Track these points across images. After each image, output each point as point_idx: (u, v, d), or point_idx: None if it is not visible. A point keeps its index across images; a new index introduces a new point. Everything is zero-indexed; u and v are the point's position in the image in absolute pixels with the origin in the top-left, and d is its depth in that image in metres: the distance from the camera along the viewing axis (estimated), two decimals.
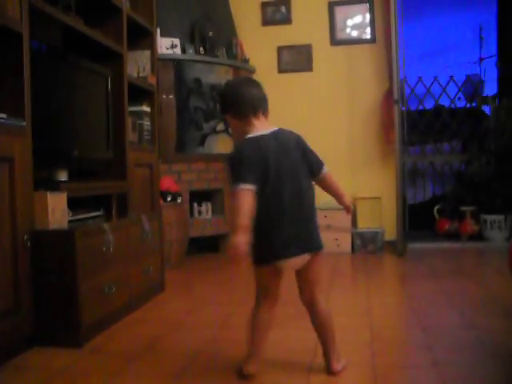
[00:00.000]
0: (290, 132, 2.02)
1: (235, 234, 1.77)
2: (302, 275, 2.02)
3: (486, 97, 5.92)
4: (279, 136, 1.96)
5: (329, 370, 2.03)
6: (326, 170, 2.05)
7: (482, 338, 2.44)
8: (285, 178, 1.89)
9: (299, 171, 1.95)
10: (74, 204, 2.76)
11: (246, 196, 1.81)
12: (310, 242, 1.95)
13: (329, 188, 2.10)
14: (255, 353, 2.01)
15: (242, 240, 1.75)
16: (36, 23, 2.47)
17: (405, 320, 2.88)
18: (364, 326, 2.66)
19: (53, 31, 2.99)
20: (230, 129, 2.09)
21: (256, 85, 2.04)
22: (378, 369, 2.07)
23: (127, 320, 2.87)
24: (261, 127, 1.96)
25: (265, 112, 2.01)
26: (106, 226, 2.71)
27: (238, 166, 1.86)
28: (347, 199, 2.16)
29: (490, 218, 5.41)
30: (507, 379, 1.96)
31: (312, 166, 2.00)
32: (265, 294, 2.03)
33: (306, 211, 1.95)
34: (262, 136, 1.93)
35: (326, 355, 2.05)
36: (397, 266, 4.45)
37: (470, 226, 5.49)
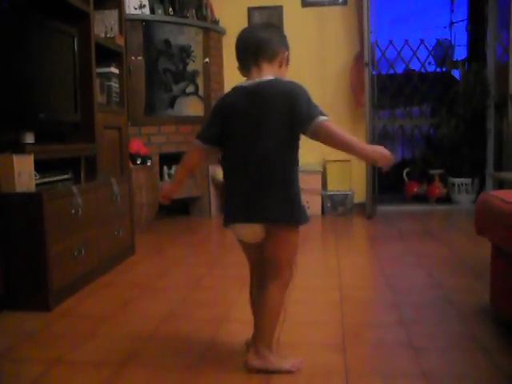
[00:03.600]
0: (283, 83, 1.74)
1: (170, 181, 1.83)
2: (260, 250, 1.78)
3: (456, 61, 5.95)
4: (261, 88, 1.72)
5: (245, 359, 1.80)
6: (322, 120, 1.67)
7: (447, 296, 2.50)
8: (249, 137, 1.70)
9: (271, 130, 1.69)
10: (42, 167, 2.71)
11: (192, 152, 1.84)
12: (263, 211, 1.69)
13: (332, 141, 1.67)
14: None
15: (167, 187, 1.91)
16: None
17: (373, 280, 2.93)
18: (334, 286, 2.70)
19: None
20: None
21: (264, 27, 1.83)
22: (347, 327, 2.11)
23: (97, 283, 2.86)
24: (250, 77, 1.77)
25: (272, 58, 1.77)
26: (74, 188, 2.67)
27: (209, 117, 1.82)
28: (367, 149, 1.68)
29: (457, 181, 5.50)
30: (470, 334, 2.01)
31: (296, 120, 1.69)
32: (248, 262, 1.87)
33: (264, 175, 1.69)
34: (241, 87, 1.75)
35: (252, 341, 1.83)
36: (366, 228, 4.50)
37: (439, 188, 5.58)
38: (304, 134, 1.71)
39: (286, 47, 1.85)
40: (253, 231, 1.74)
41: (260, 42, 1.77)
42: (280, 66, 1.82)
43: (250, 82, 1.76)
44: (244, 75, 1.81)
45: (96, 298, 2.64)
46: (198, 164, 1.89)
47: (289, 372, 1.74)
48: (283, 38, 1.86)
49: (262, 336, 1.76)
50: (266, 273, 1.77)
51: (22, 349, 2.02)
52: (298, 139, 1.74)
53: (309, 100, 1.74)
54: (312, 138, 1.70)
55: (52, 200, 2.44)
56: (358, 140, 1.69)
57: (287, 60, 1.85)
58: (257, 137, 1.70)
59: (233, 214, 1.76)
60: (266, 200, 1.69)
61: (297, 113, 1.69)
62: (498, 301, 2.15)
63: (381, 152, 1.66)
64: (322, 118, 1.68)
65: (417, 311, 2.31)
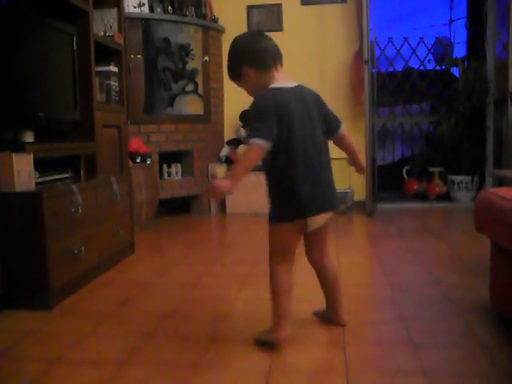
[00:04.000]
0: (309, 89, 1.97)
1: (227, 178, 1.77)
2: (314, 234, 1.97)
3: (456, 59, 5.95)
4: (300, 90, 1.92)
5: (339, 322, 2.10)
6: (343, 128, 2.02)
7: (446, 294, 2.50)
8: (307, 134, 1.86)
9: (318, 128, 1.91)
10: (41, 166, 2.71)
11: (255, 151, 1.78)
12: (334, 200, 1.94)
13: (345, 147, 2.07)
14: (284, 317, 1.91)
15: (227, 185, 1.75)
16: None
17: (373, 278, 2.93)
18: None
19: None
20: (246, 87, 1.99)
21: (269, 37, 1.99)
22: (347, 325, 2.11)
23: (97, 281, 2.87)
24: (281, 79, 1.93)
25: (281, 64, 1.98)
26: (74, 187, 2.68)
27: (257, 118, 1.81)
28: (361, 158, 2.10)
29: (457, 178, 5.50)
30: (470, 332, 2.02)
31: (330, 124, 1.98)
32: (282, 254, 1.93)
33: (327, 168, 1.93)
34: (284, 88, 1.90)
35: (334, 310, 2.11)
36: (366, 226, 4.50)
37: (438, 186, 5.58)
38: (329, 137, 1.99)
39: None
40: (326, 218, 1.93)
41: (280, 49, 1.99)
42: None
43: (289, 84, 1.92)
44: (257, 78, 1.92)
45: (96, 296, 2.64)
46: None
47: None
48: None
49: (341, 297, 2.11)
50: (319, 250, 2.04)
51: (22, 347, 2.02)
52: None
53: (329, 107, 1.99)
54: (334, 141, 2.03)
55: (52, 199, 2.44)
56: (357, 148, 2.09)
57: None
58: (312, 133, 1.89)
59: (309, 206, 1.85)
60: (331, 189, 1.94)
61: (327, 117, 1.96)
62: (498, 298, 2.15)
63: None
64: (342, 125, 2.02)
65: (416, 309, 2.31)
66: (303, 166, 1.84)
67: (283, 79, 1.93)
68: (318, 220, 1.90)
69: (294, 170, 1.84)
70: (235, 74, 1.98)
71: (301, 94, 1.91)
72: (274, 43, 1.97)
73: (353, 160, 2.09)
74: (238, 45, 1.98)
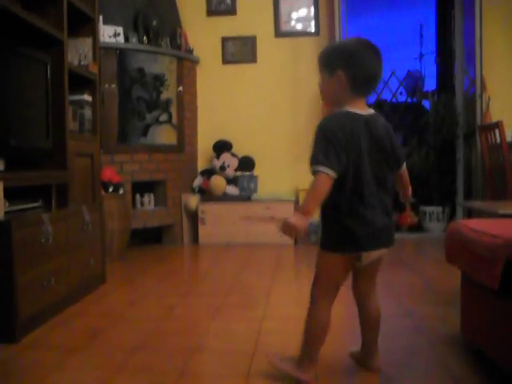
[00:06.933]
0: (383, 119, 1.86)
1: (299, 214, 1.69)
2: (365, 268, 1.88)
3: (426, 92, 6.08)
4: (375, 120, 1.81)
5: (372, 366, 1.97)
6: (404, 165, 1.94)
7: (418, 325, 2.51)
8: (373, 168, 1.76)
9: (385, 162, 1.80)
10: (12, 194, 2.68)
11: (325, 182, 1.68)
12: (392, 236, 1.85)
13: (401, 184, 1.98)
14: (312, 359, 1.86)
15: (303, 223, 1.68)
16: None
17: (345, 309, 2.92)
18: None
19: None
20: (326, 88, 1.89)
21: (382, 64, 1.84)
22: (320, 357, 2.09)
23: (67, 313, 2.81)
24: (359, 104, 1.81)
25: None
26: (44, 216, 2.64)
27: (326, 143, 1.70)
28: (410, 192, 2.03)
29: (428, 209, 5.56)
30: (441, 363, 2.02)
31: (398, 159, 1.87)
32: (327, 287, 1.86)
33: (388, 204, 1.82)
34: (359, 115, 1.78)
35: (368, 352, 1.99)
36: None
37: (410, 217, 5.63)
38: (394, 171, 1.87)
39: None
40: (380, 254, 1.85)
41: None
42: None
43: (362, 111, 1.80)
44: (335, 89, 1.83)
45: (65, 328, 2.59)
46: None
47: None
48: None
49: (377, 338, 1.98)
50: (366, 284, 1.98)
51: None
52: None
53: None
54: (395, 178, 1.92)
55: (21, 228, 2.40)
56: None
57: None
58: (378, 167, 1.78)
59: (370, 240, 1.77)
60: (390, 224, 1.84)
61: (395, 152, 1.84)
62: (469, 329, 2.17)
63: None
64: (404, 161, 1.92)
65: (388, 340, 2.31)
66: (365, 199, 1.75)
67: (360, 105, 1.82)
68: (372, 255, 1.81)
69: (355, 202, 1.75)
70: (327, 66, 1.85)
71: (374, 124, 1.79)
72: (380, 74, 1.84)
73: (405, 197, 2.04)
74: (354, 46, 1.82)
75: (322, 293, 1.85)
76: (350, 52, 1.80)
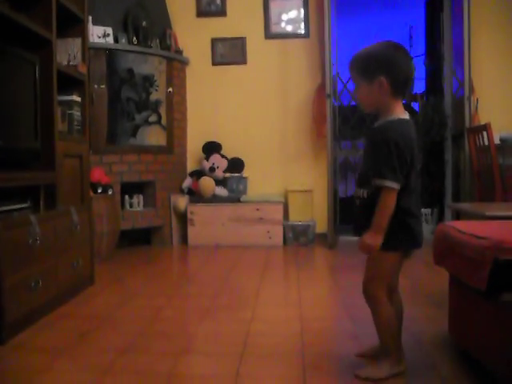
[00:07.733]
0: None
1: (373, 233, 1.81)
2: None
3: (415, 94, 6.10)
4: (412, 124, 1.89)
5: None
6: None
7: (407, 326, 2.49)
8: (416, 170, 1.87)
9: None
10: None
11: (393, 197, 1.79)
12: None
13: None
14: (400, 348, 1.96)
15: (379, 242, 1.81)
16: None
17: (334, 311, 2.93)
18: (295, 317, 2.69)
19: None
20: (365, 95, 1.89)
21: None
22: (307, 358, 2.10)
23: (55, 315, 2.80)
24: (401, 108, 1.88)
25: None
26: (32, 217, 2.63)
27: (393, 157, 1.77)
28: None
29: None
30: (429, 364, 2.03)
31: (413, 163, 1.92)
32: (385, 283, 1.94)
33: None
34: (410, 121, 1.87)
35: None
36: (327, 258, 4.52)
37: None
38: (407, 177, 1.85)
39: None
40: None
41: None
42: None
43: (406, 115, 1.88)
44: (374, 95, 1.86)
45: (52, 330, 2.57)
46: None
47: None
48: None
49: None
50: (397, 283, 2.03)
51: None
52: None
53: None
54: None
55: (8, 229, 2.39)
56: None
57: None
58: (417, 169, 1.88)
59: (420, 237, 1.94)
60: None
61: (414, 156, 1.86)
62: (456, 330, 2.18)
63: None
64: None
65: (376, 341, 2.31)
66: (415, 198, 1.90)
67: (401, 109, 1.88)
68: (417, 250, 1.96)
69: (412, 202, 1.87)
70: (366, 73, 1.87)
71: (413, 127, 1.88)
72: (414, 74, 1.90)
73: None
74: (390, 52, 1.86)
75: (383, 291, 1.93)
76: (387, 56, 1.85)
